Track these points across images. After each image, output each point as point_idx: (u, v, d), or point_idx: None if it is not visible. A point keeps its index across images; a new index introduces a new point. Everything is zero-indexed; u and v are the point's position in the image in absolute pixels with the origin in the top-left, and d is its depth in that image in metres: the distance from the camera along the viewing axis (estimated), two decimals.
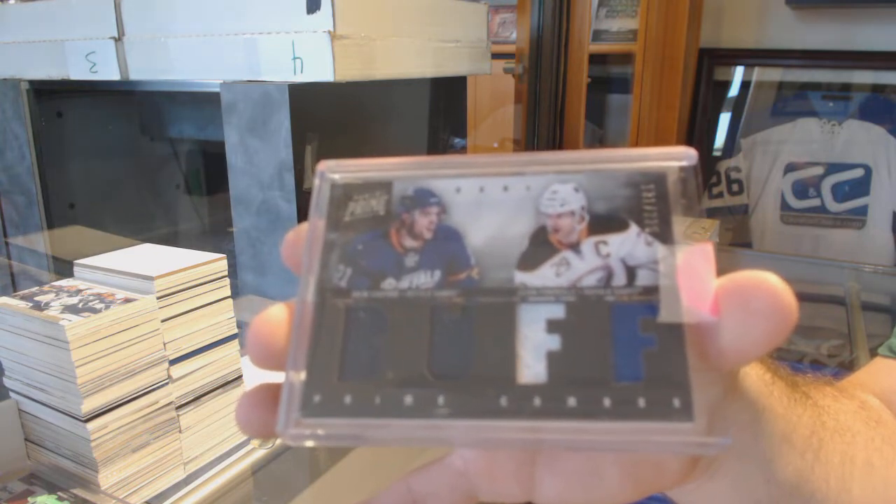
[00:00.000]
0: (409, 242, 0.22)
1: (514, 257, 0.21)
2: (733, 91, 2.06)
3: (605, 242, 0.21)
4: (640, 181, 0.21)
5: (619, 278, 0.20)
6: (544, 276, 0.20)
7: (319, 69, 0.77)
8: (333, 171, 0.24)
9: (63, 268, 1.08)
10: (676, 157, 0.21)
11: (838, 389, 0.32)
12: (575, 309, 0.20)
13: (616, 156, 0.22)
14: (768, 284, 0.19)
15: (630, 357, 0.19)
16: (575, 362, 0.19)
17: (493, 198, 0.22)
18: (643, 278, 0.20)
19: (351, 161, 0.24)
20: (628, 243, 0.20)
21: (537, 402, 0.19)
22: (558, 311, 0.20)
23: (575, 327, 0.19)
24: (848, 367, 1.37)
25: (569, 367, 0.19)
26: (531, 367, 0.19)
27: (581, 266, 0.20)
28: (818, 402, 0.28)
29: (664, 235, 0.20)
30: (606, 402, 0.18)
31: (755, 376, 0.25)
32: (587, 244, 0.21)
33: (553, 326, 0.20)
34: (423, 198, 0.23)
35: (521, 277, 0.21)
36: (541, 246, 0.21)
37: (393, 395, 0.19)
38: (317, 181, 0.23)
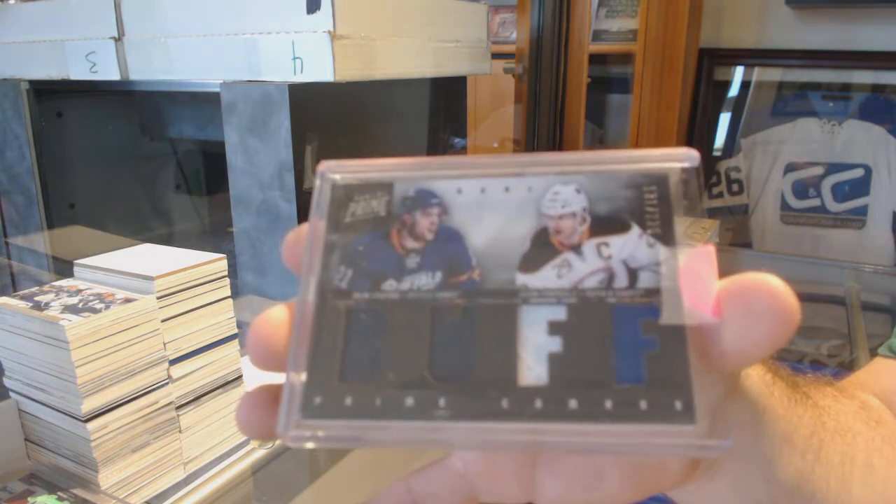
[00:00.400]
0: (410, 243, 0.22)
1: (516, 259, 0.21)
2: (733, 91, 2.06)
3: (606, 244, 0.21)
4: (642, 182, 0.21)
5: (621, 280, 0.20)
6: (546, 277, 0.20)
7: (319, 69, 0.77)
8: (334, 172, 0.24)
9: (63, 268, 1.08)
10: (678, 159, 0.21)
11: (838, 390, 0.32)
12: (576, 311, 0.20)
13: (618, 157, 0.22)
14: (770, 286, 0.19)
15: (631, 359, 0.19)
16: (576, 364, 0.19)
17: (494, 199, 0.22)
18: (645, 280, 0.20)
19: (352, 161, 0.24)
20: (630, 245, 0.20)
21: (538, 404, 0.19)
22: (560, 313, 0.20)
23: (576, 329, 0.19)
24: (848, 367, 1.37)
25: (570, 369, 0.19)
26: (532, 368, 0.19)
27: (582, 267, 0.20)
28: (819, 403, 0.28)
29: (666, 237, 0.20)
30: (608, 404, 0.18)
31: (756, 377, 0.25)
32: (589, 246, 0.21)
33: (554, 328, 0.20)
34: (424, 199, 0.22)
35: (522, 279, 0.21)
36: (542, 247, 0.21)
37: (394, 396, 0.19)
38: (318, 181, 0.23)
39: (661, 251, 0.20)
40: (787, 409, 0.25)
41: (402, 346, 0.20)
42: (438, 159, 0.23)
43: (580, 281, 0.20)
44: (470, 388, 0.19)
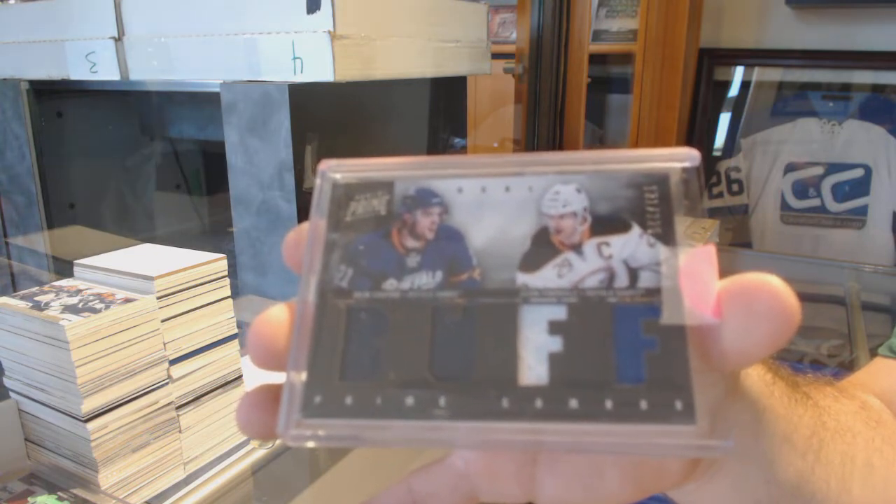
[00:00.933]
0: (411, 243, 0.22)
1: (516, 258, 0.21)
2: (733, 91, 2.06)
3: (607, 244, 0.21)
4: (643, 182, 0.21)
5: (622, 280, 0.20)
6: (546, 277, 0.20)
7: (319, 69, 0.77)
8: (335, 171, 0.24)
9: (63, 268, 1.08)
10: (679, 158, 0.21)
11: (839, 390, 0.32)
12: (577, 310, 0.20)
13: (618, 157, 0.22)
14: (771, 287, 0.19)
15: (632, 359, 0.19)
16: (576, 364, 0.19)
17: (495, 198, 0.22)
18: (645, 280, 0.20)
19: (352, 161, 0.24)
20: (630, 244, 0.20)
21: (539, 403, 0.19)
22: (560, 313, 0.20)
23: (577, 329, 0.19)
24: (848, 367, 1.37)
25: (570, 369, 0.19)
26: (533, 368, 0.19)
27: (583, 267, 0.20)
28: (819, 403, 0.28)
29: (667, 237, 0.20)
30: (608, 403, 0.18)
31: (756, 377, 0.25)
32: (589, 245, 0.21)
33: (555, 328, 0.19)
34: (424, 198, 0.22)
35: (522, 278, 0.21)
36: (543, 247, 0.21)
37: (394, 396, 0.19)
38: (318, 180, 0.23)
39: (662, 251, 0.20)
40: (788, 409, 0.25)
41: (402, 345, 0.20)
42: (439, 158, 0.23)
43: (581, 280, 0.20)
44: (470, 388, 0.19)
